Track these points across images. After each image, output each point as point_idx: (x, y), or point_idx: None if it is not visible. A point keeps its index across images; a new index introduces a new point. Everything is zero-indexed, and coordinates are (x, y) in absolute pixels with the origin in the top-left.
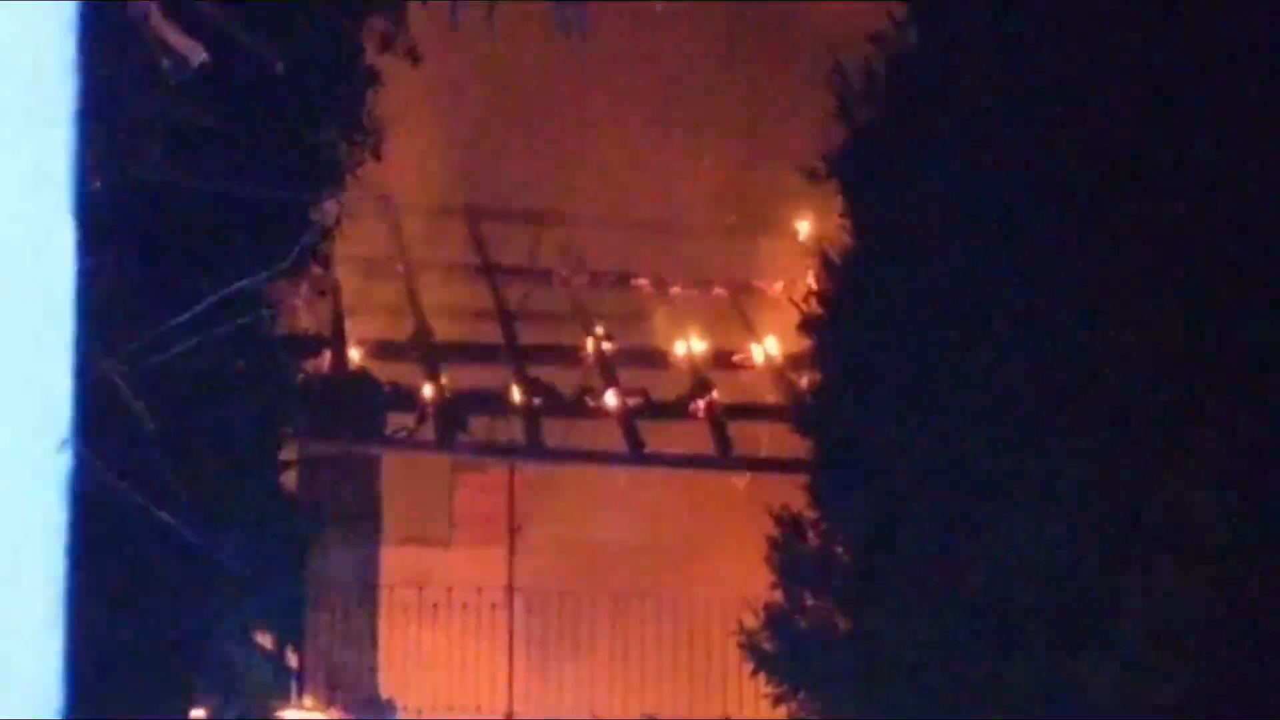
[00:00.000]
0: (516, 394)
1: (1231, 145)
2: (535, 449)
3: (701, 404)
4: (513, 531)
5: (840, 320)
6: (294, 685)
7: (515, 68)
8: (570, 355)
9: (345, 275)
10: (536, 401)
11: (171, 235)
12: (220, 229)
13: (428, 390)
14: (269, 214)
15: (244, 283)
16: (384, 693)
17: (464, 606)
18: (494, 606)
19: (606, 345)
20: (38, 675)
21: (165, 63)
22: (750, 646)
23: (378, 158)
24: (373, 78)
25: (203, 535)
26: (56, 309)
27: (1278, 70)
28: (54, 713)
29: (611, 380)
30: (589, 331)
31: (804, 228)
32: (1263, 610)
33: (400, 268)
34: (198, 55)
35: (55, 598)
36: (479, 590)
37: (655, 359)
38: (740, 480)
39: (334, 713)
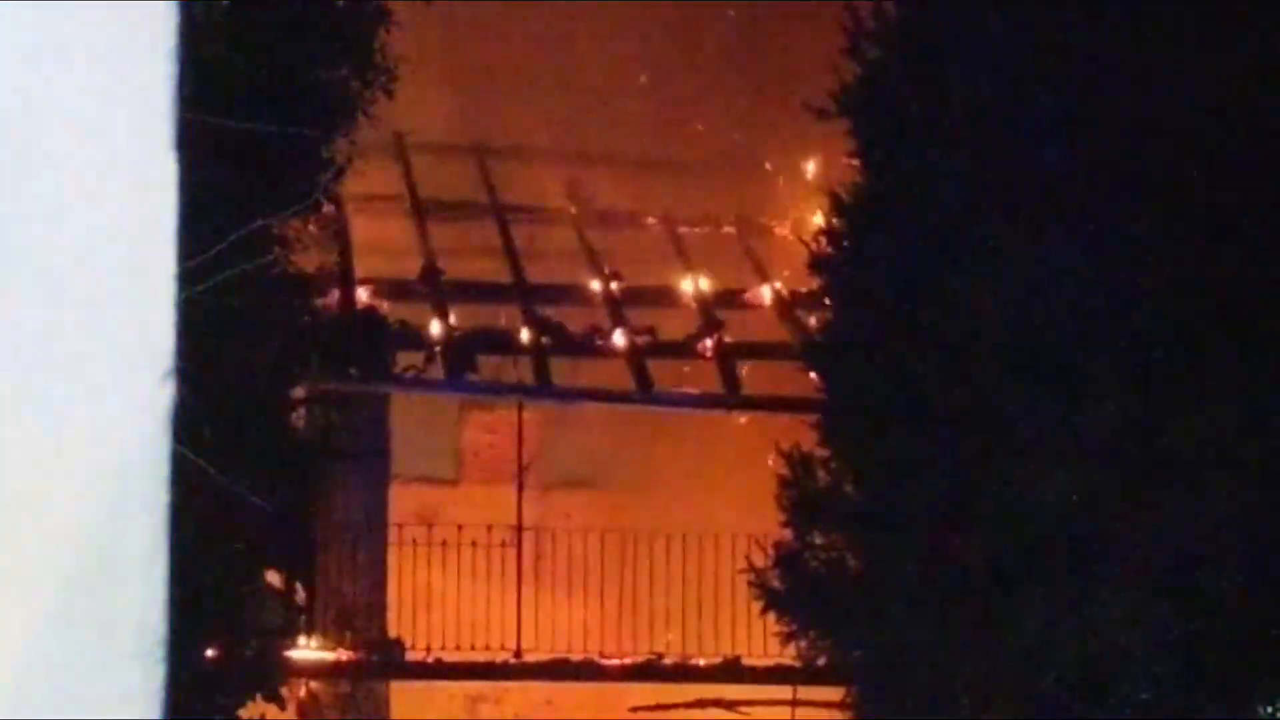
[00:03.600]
0: (525, 333)
1: (1244, 66)
2: (543, 388)
3: (710, 343)
4: (521, 470)
5: (850, 258)
6: (302, 623)
7: (526, 7)
8: (578, 294)
9: (354, 213)
10: (545, 340)
11: (182, 172)
12: (231, 166)
13: (436, 329)
14: (280, 151)
15: (263, 221)
16: (392, 631)
17: (472, 545)
18: (503, 545)
19: (615, 284)
20: (144, 602)
21: None
22: (760, 585)
23: (389, 96)
24: (384, 16)
25: (220, 471)
26: (160, 240)
27: None
28: (157, 640)
29: (620, 319)
30: (597, 270)
31: (813, 166)
32: (1273, 538)
33: (409, 206)
34: None
35: (160, 524)
36: (488, 528)
37: (664, 298)
38: (746, 418)
39: (342, 651)
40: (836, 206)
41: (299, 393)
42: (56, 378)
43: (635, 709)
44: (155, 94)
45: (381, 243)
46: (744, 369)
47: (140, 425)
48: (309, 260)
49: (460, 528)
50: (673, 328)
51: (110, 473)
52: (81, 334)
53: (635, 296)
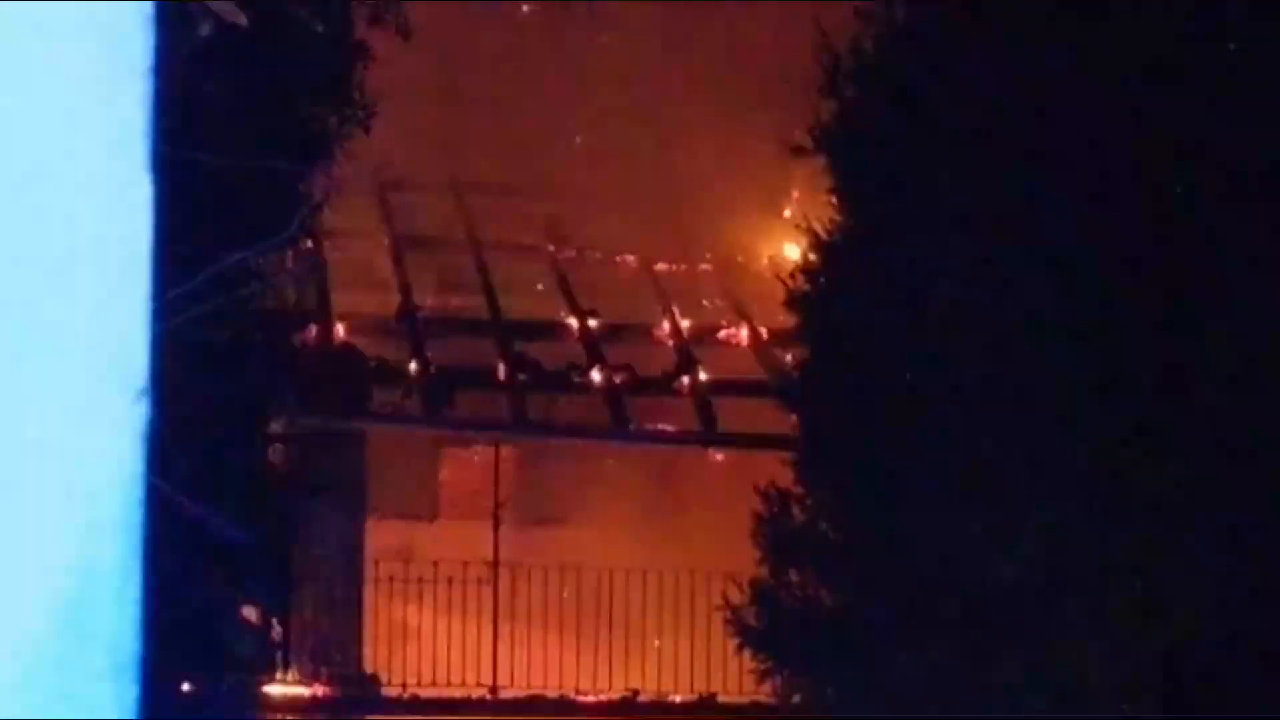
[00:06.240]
0: (502, 369)
1: (1217, 87)
2: (520, 424)
3: (686, 380)
4: (498, 506)
5: (827, 296)
6: (279, 658)
7: (504, 45)
8: (556, 331)
9: (331, 249)
10: (522, 377)
11: (160, 207)
12: (208, 201)
13: (413, 365)
14: (257, 187)
15: (242, 255)
16: (369, 666)
17: (449, 581)
18: (479, 581)
19: (592, 321)
20: (116, 625)
21: (204, 26)
22: (736, 622)
23: (366, 132)
24: (362, 52)
25: (198, 507)
26: (133, 262)
27: None
28: (130, 661)
29: (597, 356)
30: (575, 307)
31: (791, 204)
32: (1245, 581)
33: (386, 242)
34: (238, 17)
35: (132, 546)
36: (464, 565)
37: (641, 335)
38: (723, 456)
39: (318, 686)
40: (814, 244)
41: (276, 428)
42: (27, 395)
43: None
44: (130, 115)
45: (359, 278)
46: (720, 406)
47: (112, 444)
48: (287, 296)
49: (436, 564)
50: (650, 365)
51: (82, 492)
52: (53, 353)
53: (613, 333)
